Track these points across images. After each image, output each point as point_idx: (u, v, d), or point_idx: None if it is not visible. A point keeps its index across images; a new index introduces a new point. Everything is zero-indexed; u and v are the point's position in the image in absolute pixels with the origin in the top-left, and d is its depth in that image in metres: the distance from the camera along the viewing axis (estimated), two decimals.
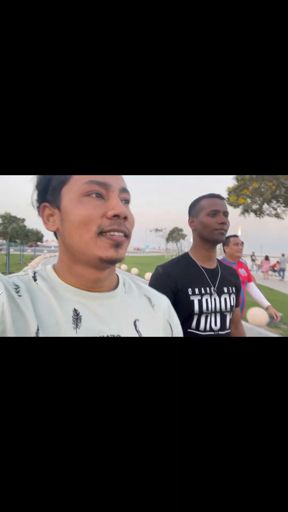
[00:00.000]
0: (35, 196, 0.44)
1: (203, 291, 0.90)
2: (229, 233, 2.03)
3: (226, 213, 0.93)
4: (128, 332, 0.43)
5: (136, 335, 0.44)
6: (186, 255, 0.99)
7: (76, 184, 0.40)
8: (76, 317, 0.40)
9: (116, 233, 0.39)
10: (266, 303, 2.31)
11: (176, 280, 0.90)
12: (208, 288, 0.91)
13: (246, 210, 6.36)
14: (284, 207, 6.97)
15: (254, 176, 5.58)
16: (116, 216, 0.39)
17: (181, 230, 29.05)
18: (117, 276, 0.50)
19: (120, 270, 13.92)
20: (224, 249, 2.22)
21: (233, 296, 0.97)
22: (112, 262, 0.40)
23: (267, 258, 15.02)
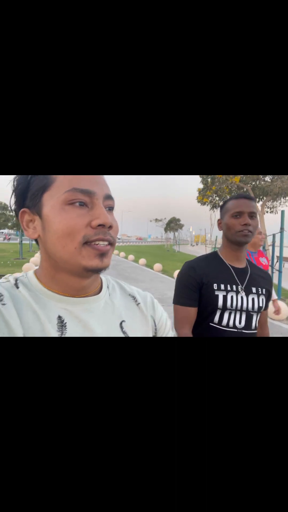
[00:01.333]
0: (13, 200, 0.43)
1: (228, 288, 0.92)
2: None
3: (252, 214, 0.91)
4: (114, 334, 0.44)
5: (122, 336, 0.44)
6: (215, 253, 1.01)
7: (59, 191, 0.39)
8: (61, 324, 0.40)
9: (101, 243, 0.39)
10: (274, 296, 2.33)
11: (201, 274, 0.93)
12: (234, 286, 0.93)
13: (214, 206, 7.89)
14: None
15: (216, 180, 7.03)
16: (101, 225, 0.38)
17: (178, 220, 30.47)
18: (101, 279, 0.50)
19: (118, 257, 15.64)
20: None
21: (262, 297, 0.96)
22: (97, 271, 0.40)
23: None
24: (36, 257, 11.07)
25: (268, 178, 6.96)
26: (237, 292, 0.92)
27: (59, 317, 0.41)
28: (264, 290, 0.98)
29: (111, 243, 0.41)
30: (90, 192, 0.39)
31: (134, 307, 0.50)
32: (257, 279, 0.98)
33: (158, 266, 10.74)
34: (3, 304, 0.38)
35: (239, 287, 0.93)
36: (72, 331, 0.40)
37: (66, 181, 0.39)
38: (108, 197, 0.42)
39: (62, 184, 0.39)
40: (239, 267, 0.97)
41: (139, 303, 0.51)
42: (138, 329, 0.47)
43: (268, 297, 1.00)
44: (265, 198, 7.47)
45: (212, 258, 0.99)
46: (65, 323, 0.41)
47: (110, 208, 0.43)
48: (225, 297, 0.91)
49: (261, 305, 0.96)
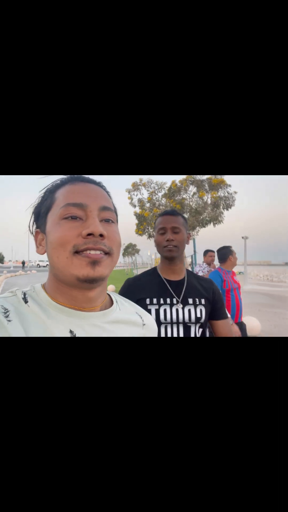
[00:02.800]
0: (31, 223, 0.47)
1: (161, 301, 0.93)
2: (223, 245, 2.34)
3: (175, 229, 0.95)
4: None
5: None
6: (154, 269, 1.05)
7: (57, 208, 0.42)
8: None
9: (92, 251, 0.40)
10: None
11: (135, 291, 0.95)
12: (168, 299, 0.94)
13: (150, 236, 9.73)
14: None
15: (144, 218, 8.89)
16: (90, 234, 0.40)
17: (135, 245, 32.59)
18: (109, 294, 0.51)
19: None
20: (229, 259, 2.36)
21: (200, 307, 0.96)
22: (90, 281, 0.40)
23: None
24: None
25: (186, 214, 9.15)
26: (171, 305, 0.93)
27: (71, 331, 0.41)
28: (202, 300, 0.98)
29: (106, 253, 0.41)
30: (82, 205, 0.42)
31: (140, 326, 0.51)
32: (195, 290, 0.99)
33: (111, 287, 12.05)
34: (9, 321, 0.38)
35: (174, 299, 0.94)
36: None
37: (62, 198, 0.43)
38: (105, 209, 0.43)
39: (60, 202, 0.43)
40: (175, 280, 0.99)
41: (144, 324, 0.52)
42: None
43: (215, 306, 1.01)
44: None
45: (150, 273, 1.04)
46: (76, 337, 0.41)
47: (107, 220, 0.44)
48: (157, 311, 0.93)
49: (199, 315, 0.95)
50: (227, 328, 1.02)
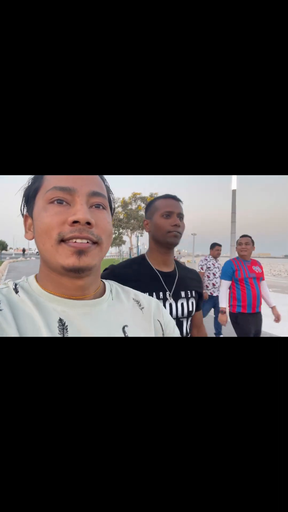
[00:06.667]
0: (22, 206, 0.45)
1: (154, 296, 0.88)
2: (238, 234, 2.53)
3: (180, 215, 0.91)
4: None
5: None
6: (142, 257, 0.97)
7: (44, 191, 0.40)
8: (62, 328, 0.39)
9: (78, 240, 0.38)
10: (272, 303, 2.37)
11: (126, 283, 0.80)
12: (162, 293, 0.88)
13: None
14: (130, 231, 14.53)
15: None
16: (76, 222, 0.38)
17: (121, 237, 36.08)
18: (104, 282, 0.50)
19: None
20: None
21: (192, 300, 0.93)
22: (75, 270, 0.39)
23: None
24: None
25: (132, 221, 13.30)
26: (165, 300, 0.89)
27: (60, 319, 0.40)
28: (193, 292, 0.97)
29: (94, 242, 0.40)
30: (69, 189, 0.39)
31: (138, 311, 0.50)
32: (186, 282, 0.96)
33: None
34: (0, 310, 0.38)
35: (167, 293, 0.90)
36: (73, 334, 0.40)
37: (50, 181, 0.41)
38: (95, 194, 0.41)
39: (47, 185, 0.41)
40: (167, 271, 0.94)
41: (143, 307, 0.51)
42: (140, 333, 0.47)
43: (199, 298, 1.00)
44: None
45: (139, 262, 0.96)
46: (67, 326, 0.40)
47: (98, 206, 0.42)
48: None
49: (191, 309, 0.94)
50: (201, 318, 1.05)
